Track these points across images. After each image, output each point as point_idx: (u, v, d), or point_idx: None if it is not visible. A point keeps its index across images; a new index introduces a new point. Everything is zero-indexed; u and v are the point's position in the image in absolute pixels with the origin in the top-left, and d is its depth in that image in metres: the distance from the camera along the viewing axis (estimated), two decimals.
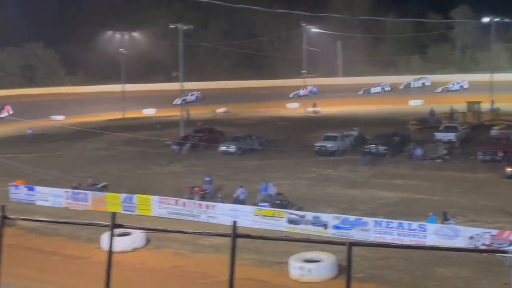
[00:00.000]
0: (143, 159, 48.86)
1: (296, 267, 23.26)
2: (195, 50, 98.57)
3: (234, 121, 70.05)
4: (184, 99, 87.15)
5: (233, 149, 49.16)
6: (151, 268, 25.31)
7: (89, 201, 35.12)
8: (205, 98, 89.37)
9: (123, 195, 34.22)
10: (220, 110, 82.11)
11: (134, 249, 27.15)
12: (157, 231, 21.59)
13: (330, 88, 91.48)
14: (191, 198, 33.34)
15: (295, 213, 29.60)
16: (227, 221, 27.51)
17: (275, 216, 29.68)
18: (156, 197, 33.34)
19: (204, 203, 32.22)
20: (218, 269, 22.40)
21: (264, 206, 31.10)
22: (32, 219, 22.15)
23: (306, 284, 22.57)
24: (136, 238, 27.39)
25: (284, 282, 23.00)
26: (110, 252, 13.93)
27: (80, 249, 27.62)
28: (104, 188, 36.72)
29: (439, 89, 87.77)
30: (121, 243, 25.99)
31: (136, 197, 33.78)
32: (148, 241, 28.01)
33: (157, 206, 32.99)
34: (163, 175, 42.84)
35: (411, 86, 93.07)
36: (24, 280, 22.88)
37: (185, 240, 27.57)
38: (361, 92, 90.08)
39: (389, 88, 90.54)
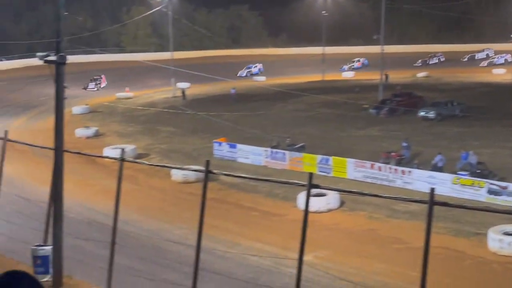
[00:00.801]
0: (340, 122, 49.10)
1: (496, 240, 22.35)
2: (397, 12, 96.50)
3: (435, 86, 68.07)
4: (249, 71, 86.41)
5: (433, 115, 47.88)
6: (345, 229, 25.54)
7: (287, 160, 35.97)
8: (404, 61, 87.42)
9: (319, 157, 34.65)
10: (421, 74, 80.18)
11: (329, 210, 27.52)
12: (352, 194, 21.62)
13: None
14: (387, 163, 33.01)
15: (496, 184, 28.33)
16: (424, 188, 26.92)
17: (474, 186, 28.61)
18: (352, 160, 33.41)
19: (400, 168, 31.78)
20: (413, 236, 22.11)
21: (464, 174, 30.08)
22: (234, 174, 23.12)
23: (505, 258, 21.65)
24: (331, 199, 27.73)
25: (481, 253, 22.23)
26: (306, 211, 14.22)
27: (277, 206, 28.49)
28: (301, 149, 37.39)
29: (485, 63, 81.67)
30: (316, 203, 26.44)
31: (332, 159, 34.07)
32: (342, 203, 28.25)
33: (352, 169, 33.06)
34: (359, 138, 42.78)
35: (475, 57, 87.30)
36: (224, 232, 24.09)
37: (380, 204, 27.46)
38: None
39: None
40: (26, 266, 19.72)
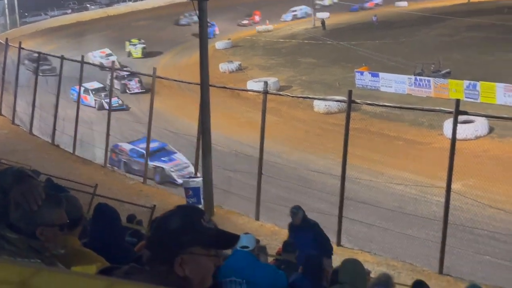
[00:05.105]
0: (487, 45, 46.79)
1: None
2: None
3: None
4: None
5: None
6: (494, 156, 24.69)
7: (432, 87, 35.06)
8: None
9: (466, 82, 33.49)
10: None
11: (477, 137, 26.70)
12: (502, 119, 20.82)
13: None
14: None
15: None
16: None
17: None
18: (501, 85, 32.02)
19: None
20: None
21: None
22: (377, 104, 22.89)
23: None
24: (479, 126, 26.86)
25: None
26: (454, 138, 13.90)
27: (422, 135, 27.89)
28: (447, 75, 36.31)
29: None
30: (463, 131, 25.61)
31: (480, 84, 32.81)
32: (491, 129, 27.30)
33: (502, 94, 31.73)
34: (508, 62, 40.68)
35: None
36: (368, 162, 24.03)
37: None
38: None
39: None
40: (179, 198, 20.78)
